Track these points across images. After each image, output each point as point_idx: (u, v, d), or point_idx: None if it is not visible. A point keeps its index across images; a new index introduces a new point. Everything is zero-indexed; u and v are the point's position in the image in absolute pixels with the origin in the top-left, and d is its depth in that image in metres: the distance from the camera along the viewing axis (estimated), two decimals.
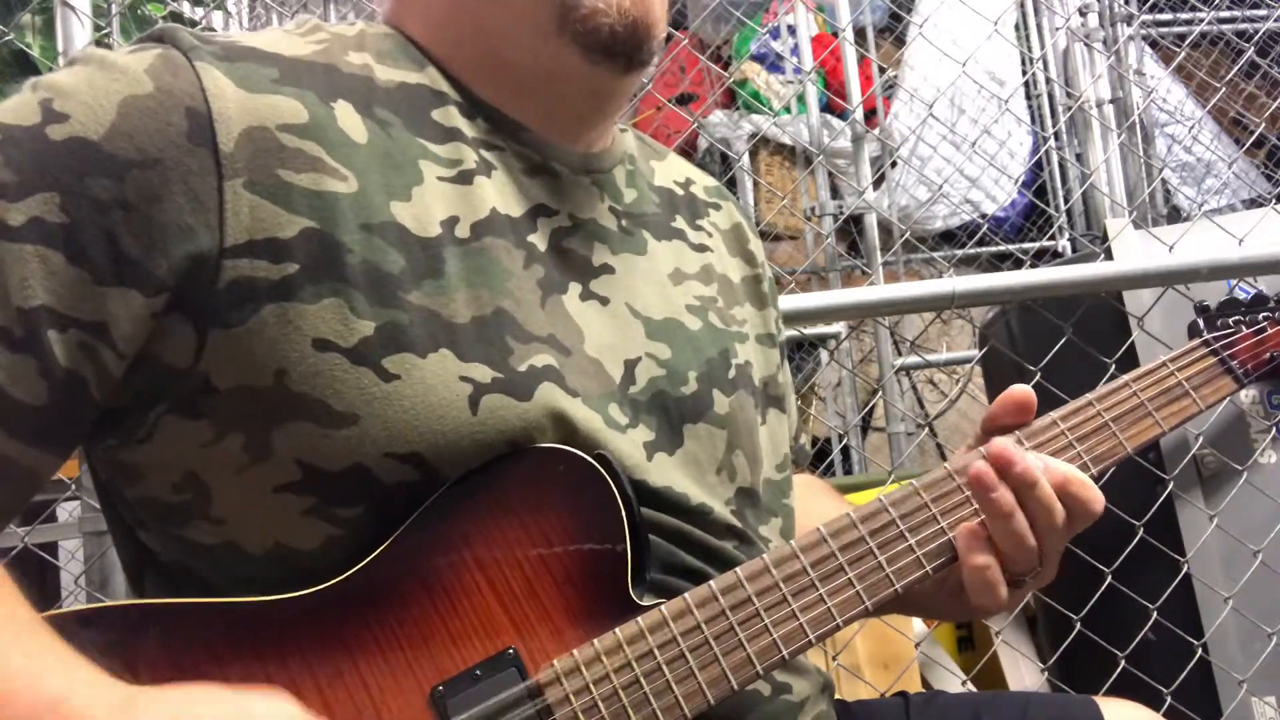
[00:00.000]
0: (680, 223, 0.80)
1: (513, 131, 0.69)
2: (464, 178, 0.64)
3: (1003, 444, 0.65)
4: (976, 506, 0.66)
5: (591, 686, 0.57)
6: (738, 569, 0.63)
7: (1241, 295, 0.87)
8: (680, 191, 0.83)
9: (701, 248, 0.80)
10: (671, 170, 0.84)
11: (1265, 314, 0.83)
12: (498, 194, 0.66)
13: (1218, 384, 0.78)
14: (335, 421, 0.57)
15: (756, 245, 0.87)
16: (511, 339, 0.61)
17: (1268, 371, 0.81)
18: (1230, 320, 0.82)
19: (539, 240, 0.67)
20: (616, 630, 0.59)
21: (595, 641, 0.58)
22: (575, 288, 0.68)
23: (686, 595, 0.61)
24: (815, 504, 0.87)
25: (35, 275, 0.53)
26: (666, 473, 0.66)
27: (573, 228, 0.70)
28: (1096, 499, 0.67)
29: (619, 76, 0.69)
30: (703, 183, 0.86)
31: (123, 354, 0.56)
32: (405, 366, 0.58)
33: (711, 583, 0.62)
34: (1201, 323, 0.82)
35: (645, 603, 0.60)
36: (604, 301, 0.69)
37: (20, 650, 0.49)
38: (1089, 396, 0.73)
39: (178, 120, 0.56)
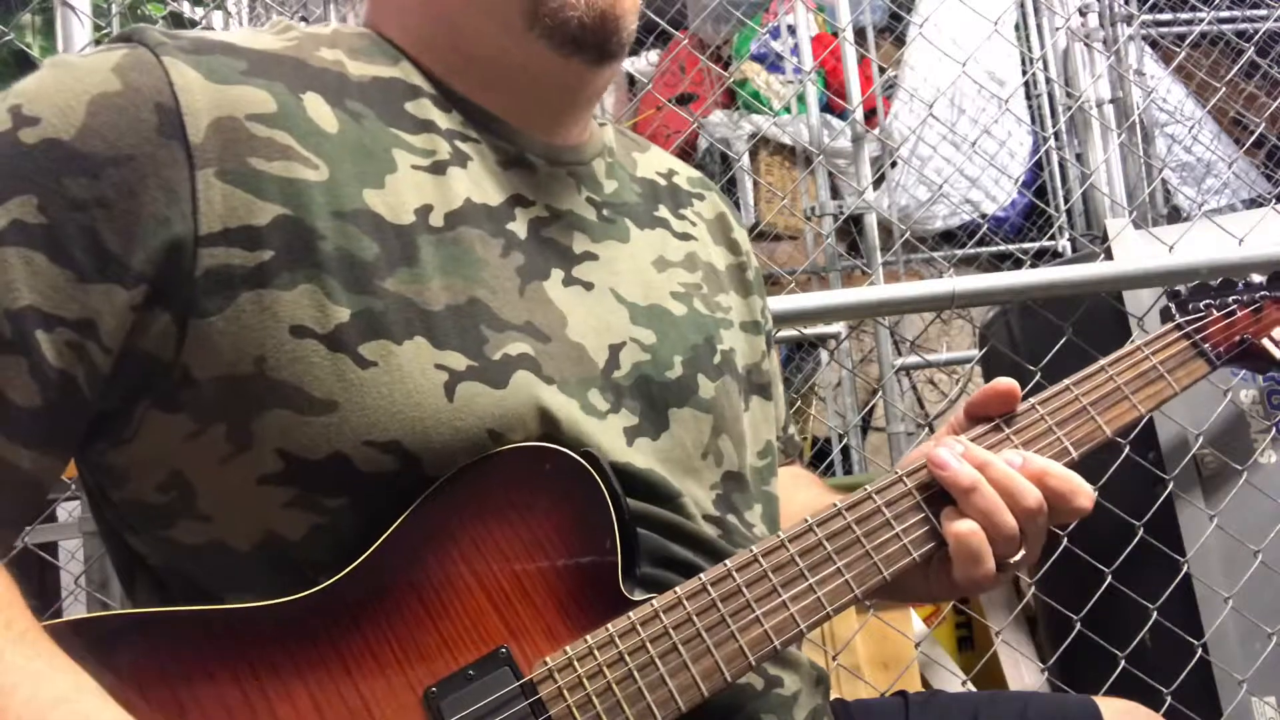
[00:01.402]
0: (663, 212, 0.80)
1: (487, 124, 0.69)
2: (438, 168, 0.65)
3: (939, 454, 0.66)
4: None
5: (585, 681, 0.57)
6: (727, 561, 0.63)
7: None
8: (663, 182, 0.83)
9: (685, 236, 0.80)
10: (654, 162, 0.85)
11: (1234, 298, 0.84)
12: (473, 184, 0.66)
13: (1191, 367, 0.78)
14: (314, 409, 0.57)
15: (741, 234, 0.87)
16: (486, 328, 0.61)
17: (1239, 354, 0.82)
18: (1201, 305, 0.83)
19: (518, 228, 0.67)
20: (609, 626, 0.59)
21: (588, 637, 0.58)
22: (558, 274, 0.68)
23: (677, 588, 0.61)
24: (802, 494, 0.87)
25: (20, 277, 0.54)
26: (648, 458, 0.66)
27: (550, 218, 0.70)
28: (1078, 492, 0.67)
29: (590, 69, 0.69)
30: (685, 173, 0.87)
31: (109, 349, 0.56)
32: (382, 353, 0.58)
33: (702, 575, 0.62)
34: (1174, 307, 0.83)
35: (636, 597, 0.60)
36: (588, 287, 0.69)
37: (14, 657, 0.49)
38: (1067, 381, 0.74)
39: (147, 115, 0.56)
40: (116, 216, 0.55)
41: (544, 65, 0.68)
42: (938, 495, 0.67)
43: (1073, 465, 0.70)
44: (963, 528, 0.65)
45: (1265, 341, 0.83)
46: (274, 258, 0.57)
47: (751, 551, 0.63)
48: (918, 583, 0.70)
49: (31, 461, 0.55)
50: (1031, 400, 0.73)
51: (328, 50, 0.66)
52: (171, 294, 0.56)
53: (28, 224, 0.54)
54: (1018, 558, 0.67)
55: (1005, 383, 0.71)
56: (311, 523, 0.59)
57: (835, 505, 0.66)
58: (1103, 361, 0.76)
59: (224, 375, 0.57)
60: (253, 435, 0.57)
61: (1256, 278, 0.86)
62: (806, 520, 0.65)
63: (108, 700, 0.50)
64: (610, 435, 0.65)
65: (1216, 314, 0.82)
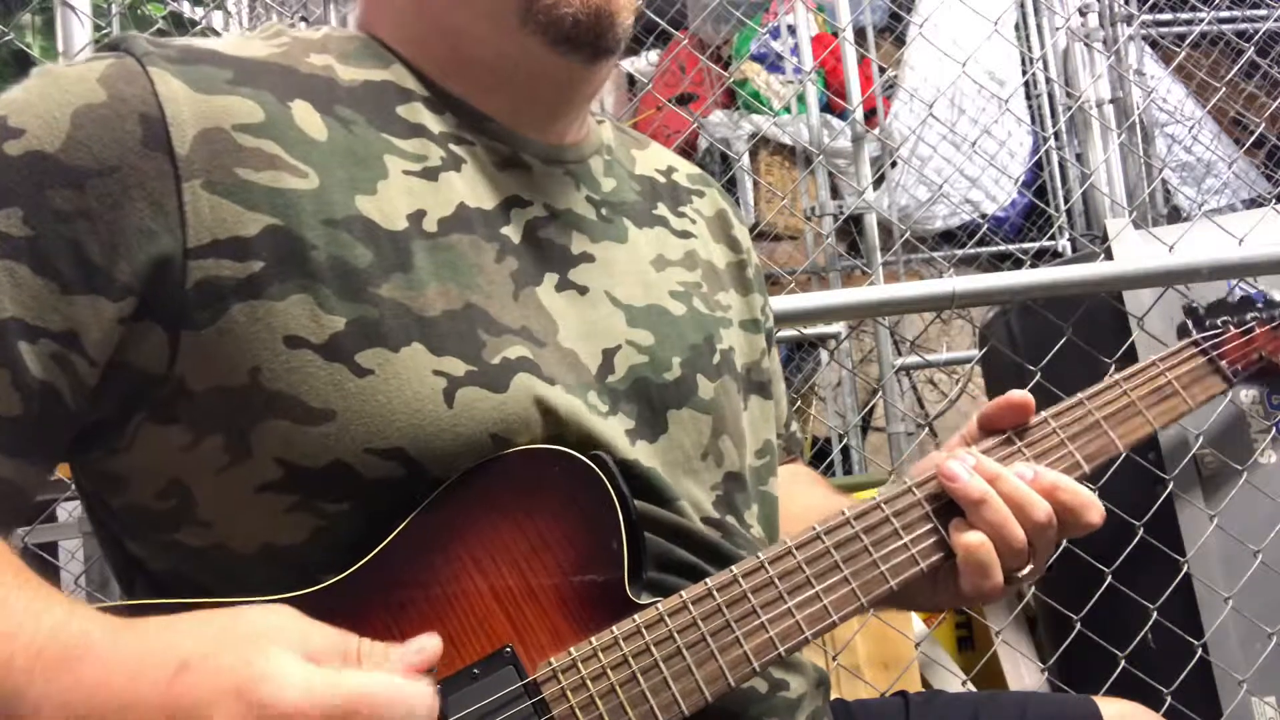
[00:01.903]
0: (662, 210, 0.80)
1: (482, 125, 0.69)
2: (430, 174, 0.64)
3: (950, 466, 0.67)
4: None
5: (589, 683, 0.57)
6: (733, 567, 0.63)
7: (1243, 292, 0.87)
8: (662, 179, 0.83)
9: (685, 234, 0.80)
10: (653, 159, 0.84)
11: (1253, 315, 0.84)
12: (467, 188, 0.66)
13: (1207, 383, 0.79)
14: (312, 418, 0.57)
15: (741, 232, 0.87)
16: (483, 332, 0.61)
17: (1256, 371, 0.82)
18: (1218, 321, 0.83)
19: (513, 232, 0.67)
20: (614, 628, 0.59)
21: (592, 639, 0.58)
22: (551, 278, 0.68)
23: (683, 593, 0.61)
24: (803, 493, 0.87)
25: (3, 289, 0.54)
26: (648, 460, 0.66)
27: (548, 218, 0.70)
28: (1089, 507, 0.67)
29: (585, 66, 0.69)
30: (685, 170, 0.86)
31: (94, 361, 0.56)
32: (379, 361, 0.58)
33: (708, 580, 0.62)
34: (1190, 323, 0.83)
35: (642, 601, 0.60)
36: (582, 291, 0.69)
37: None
38: (1080, 395, 0.74)
39: (132, 127, 0.56)
40: (100, 229, 0.55)
41: (539, 63, 0.68)
42: (947, 506, 0.67)
43: (1084, 479, 0.70)
44: (971, 539, 0.65)
45: None
46: (264, 268, 0.57)
47: (759, 558, 0.63)
48: (924, 592, 0.70)
49: (12, 470, 0.56)
50: (1044, 413, 0.73)
51: (317, 56, 0.66)
52: (162, 307, 0.56)
53: (12, 236, 0.54)
54: (1026, 570, 0.67)
55: (1018, 395, 0.71)
56: (314, 525, 0.59)
57: (843, 513, 0.66)
58: (1116, 376, 0.76)
59: (219, 386, 0.57)
60: (251, 445, 0.57)
61: (1278, 295, 0.86)
62: (814, 529, 0.65)
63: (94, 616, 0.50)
64: (614, 433, 0.65)
65: (1234, 330, 0.82)
